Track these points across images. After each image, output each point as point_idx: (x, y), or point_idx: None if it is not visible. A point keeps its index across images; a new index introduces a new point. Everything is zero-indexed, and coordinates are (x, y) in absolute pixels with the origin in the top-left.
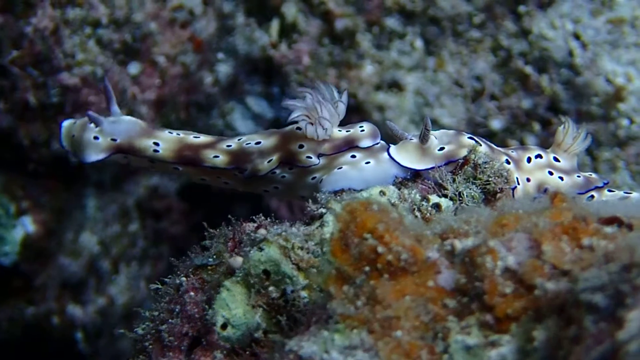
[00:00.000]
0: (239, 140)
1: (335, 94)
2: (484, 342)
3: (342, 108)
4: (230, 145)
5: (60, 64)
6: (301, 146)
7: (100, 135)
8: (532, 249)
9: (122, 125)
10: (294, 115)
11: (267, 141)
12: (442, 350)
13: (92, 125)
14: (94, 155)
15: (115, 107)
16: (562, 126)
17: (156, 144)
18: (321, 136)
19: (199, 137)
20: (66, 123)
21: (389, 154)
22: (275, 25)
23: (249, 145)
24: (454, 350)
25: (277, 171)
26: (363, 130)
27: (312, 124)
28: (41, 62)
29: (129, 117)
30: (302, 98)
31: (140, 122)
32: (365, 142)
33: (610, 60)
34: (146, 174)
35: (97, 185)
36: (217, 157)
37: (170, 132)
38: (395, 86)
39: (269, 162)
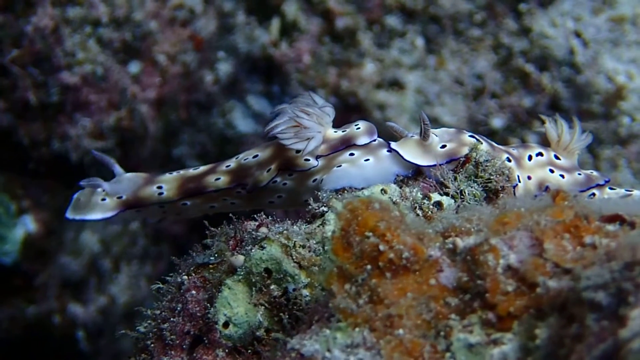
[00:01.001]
0: (236, 158)
1: (317, 99)
2: (486, 340)
3: (329, 108)
4: (229, 165)
5: (61, 63)
6: (298, 150)
7: (106, 197)
8: (534, 247)
9: (124, 183)
10: (277, 130)
11: (264, 153)
12: (444, 348)
13: (99, 189)
14: (101, 214)
15: (117, 168)
16: (549, 123)
17: (159, 187)
18: (311, 147)
19: (198, 168)
20: (77, 194)
21: (390, 149)
22: (275, 23)
23: (247, 160)
24: (456, 348)
25: (278, 179)
26: (359, 128)
27: (298, 139)
28: (41, 61)
29: (130, 174)
30: (282, 113)
31: (141, 175)
32: (362, 140)
33: (612, 58)
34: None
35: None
36: (219, 179)
37: (170, 173)
38: (396, 85)
39: (268, 171)
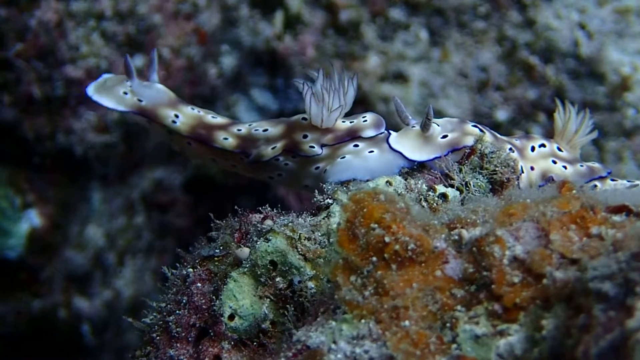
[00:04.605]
0: (249, 125)
1: (346, 80)
2: (492, 332)
3: (350, 96)
4: (240, 130)
5: (65, 57)
6: (305, 136)
7: (129, 92)
8: (540, 238)
9: (152, 91)
10: (304, 91)
11: (275, 129)
12: (450, 339)
13: (128, 82)
14: (114, 104)
15: (154, 76)
16: (557, 112)
17: (176, 115)
18: (325, 120)
19: (216, 118)
20: (107, 75)
21: (388, 144)
22: (279, 16)
23: (257, 131)
24: (462, 339)
25: (281, 158)
26: (366, 121)
27: (317, 103)
28: (45, 54)
29: (162, 86)
30: (313, 81)
31: (170, 93)
32: (368, 132)
33: (616, 50)
34: (151, 164)
35: (102, 179)
36: (227, 139)
37: (192, 109)
38: (400, 77)
39: (273, 148)
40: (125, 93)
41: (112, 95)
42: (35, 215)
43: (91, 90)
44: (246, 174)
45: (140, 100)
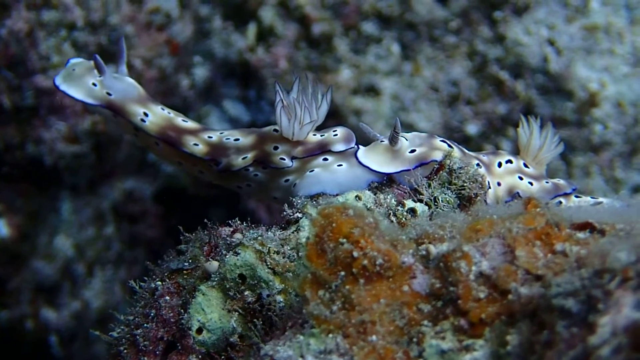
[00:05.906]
0: (220, 133)
1: (320, 94)
2: (458, 347)
3: (323, 111)
4: (211, 137)
5: (35, 67)
6: (276, 147)
7: (99, 84)
8: (506, 254)
9: (122, 85)
10: (277, 108)
11: (246, 139)
12: (416, 354)
13: (96, 72)
14: (82, 96)
15: (123, 67)
16: (522, 128)
17: (146, 114)
18: (296, 134)
19: (186, 122)
20: (74, 60)
21: (356, 157)
22: (252, 29)
23: (228, 140)
24: (428, 354)
25: (251, 169)
26: (336, 135)
27: (288, 119)
28: (16, 64)
29: (132, 80)
30: (287, 93)
31: (140, 89)
32: (338, 147)
33: (585, 66)
34: (122, 175)
35: (72, 189)
36: (197, 145)
37: (162, 109)
38: (372, 91)
39: (243, 159)
40: (94, 84)
41: (80, 86)
42: (3, 225)
43: (59, 79)
44: (213, 181)
45: (109, 94)
